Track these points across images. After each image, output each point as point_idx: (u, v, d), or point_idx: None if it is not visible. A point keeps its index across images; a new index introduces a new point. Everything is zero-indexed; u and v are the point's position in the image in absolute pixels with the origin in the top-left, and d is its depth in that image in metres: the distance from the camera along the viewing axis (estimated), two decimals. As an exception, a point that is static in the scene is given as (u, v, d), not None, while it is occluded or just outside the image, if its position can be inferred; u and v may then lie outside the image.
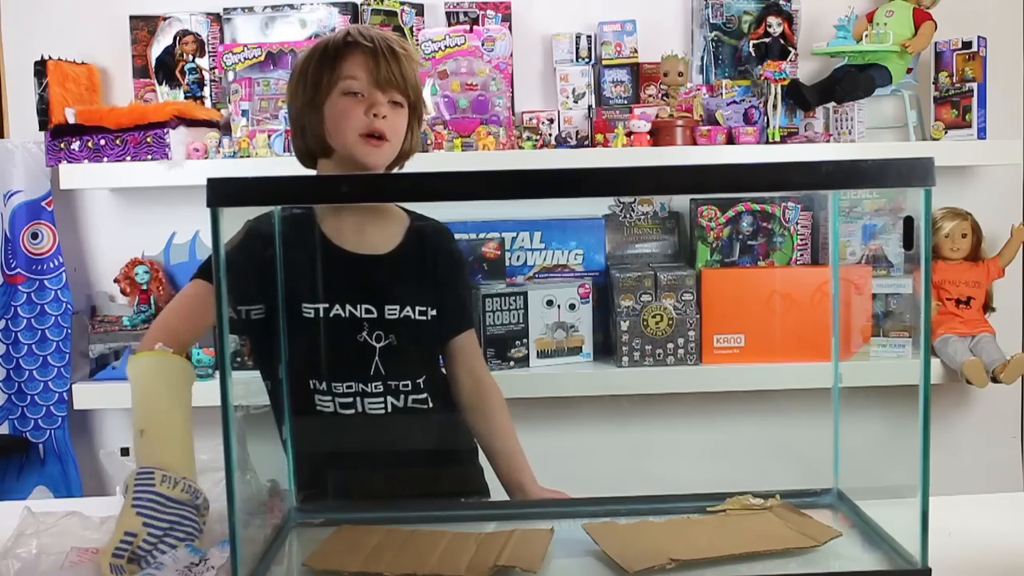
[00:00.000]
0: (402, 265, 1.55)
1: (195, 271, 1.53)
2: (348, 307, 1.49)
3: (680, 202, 2.51)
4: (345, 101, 1.46)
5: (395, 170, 1.56)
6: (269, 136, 2.26)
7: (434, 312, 1.54)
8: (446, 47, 2.33)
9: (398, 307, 1.51)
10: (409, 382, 1.52)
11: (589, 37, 2.45)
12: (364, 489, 1.50)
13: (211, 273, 1.09)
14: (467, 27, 2.37)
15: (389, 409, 1.51)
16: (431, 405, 1.54)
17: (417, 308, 1.53)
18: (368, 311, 1.49)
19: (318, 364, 1.51)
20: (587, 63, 2.44)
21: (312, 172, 1.55)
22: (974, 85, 2.36)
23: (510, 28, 2.42)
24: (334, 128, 1.48)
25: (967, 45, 2.37)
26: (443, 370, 1.63)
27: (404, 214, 1.60)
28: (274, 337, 1.42)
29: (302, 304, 1.48)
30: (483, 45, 2.34)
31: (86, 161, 2.26)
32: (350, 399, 1.50)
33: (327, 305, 1.48)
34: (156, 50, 2.44)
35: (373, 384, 1.50)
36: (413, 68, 1.50)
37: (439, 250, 1.61)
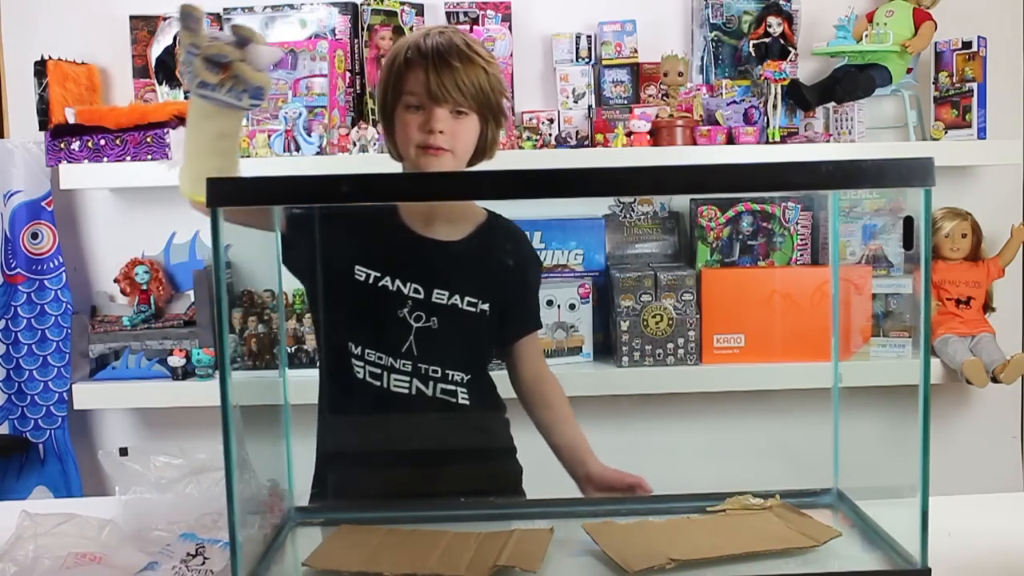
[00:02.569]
0: (465, 254, 1.56)
1: None
2: (397, 281, 1.52)
3: (680, 202, 2.51)
4: (406, 115, 1.51)
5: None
6: (269, 136, 2.26)
7: (486, 307, 1.55)
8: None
9: (447, 293, 1.53)
10: (439, 369, 1.53)
11: (589, 37, 2.45)
12: (377, 463, 1.52)
13: None
14: (467, 27, 2.37)
15: (414, 392, 1.52)
16: (461, 399, 1.55)
17: (467, 299, 1.54)
18: (416, 291, 1.52)
19: (356, 327, 1.54)
20: (587, 63, 2.44)
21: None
22: (974, 85, 2.36)
23: (510, 28, 2.42)
24: (400, 139, 1.53)
25: (967, 45, 2.37)
26: (489, 373, 1.63)
27: (483, 211, 1.62)
28: (328, 291, 1.51)
29: (356, 266, 1.52)
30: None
31: (86, 161, 2.26)
32: (379, 371, 1.52)
33: (378, 274, 1.52)
34: (156, 50, 2.44)
35: (402, 362, 1.52)
36: (478, 74, 1.49)
37: (510, 250, 1.63)
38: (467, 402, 1.55)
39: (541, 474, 1.59)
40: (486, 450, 1.63)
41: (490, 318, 1.56)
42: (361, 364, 1.53)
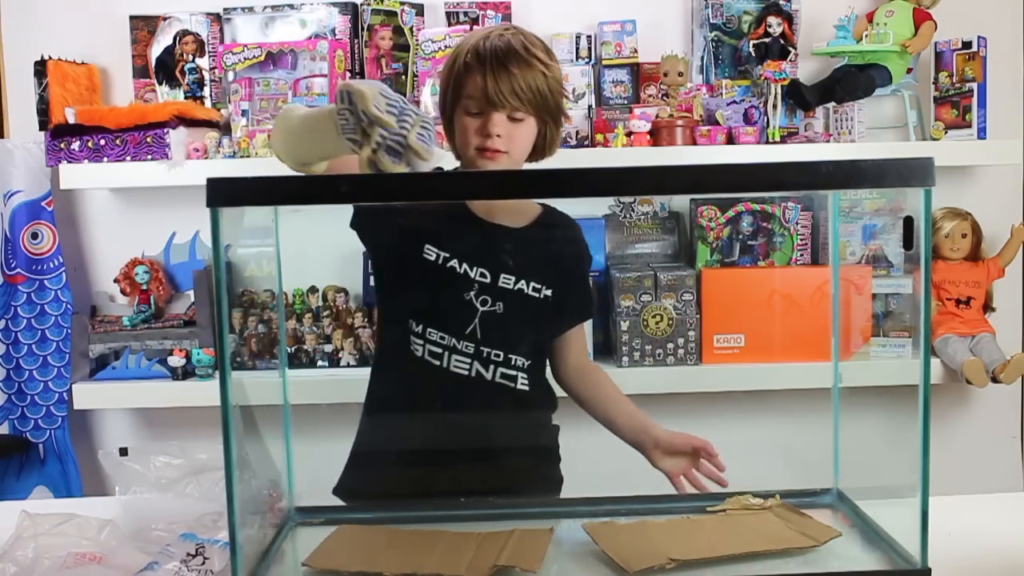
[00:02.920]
0: (529, 242, 1.59)
1: None
2: (464, 265, 1.55)
3: (680, 202, 2.51)
4: (465, 119, 1.54)
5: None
6: (269, 136, 2.26)
7: (549, 293, 1.58)
8: (446, 47, 2.33)
9: (513, 278, 1.56)
10: (501, 354, 1.55)
11: (589, 37, 2.45)
12: (419, 449, 1.55)
13: None
14: (467, 27, 2.38)
15: (474, 374, 1.54)
16: (519, 385, 1.57)
17: (532, 284, 1.56)
18: (482, 275, 1.55)
19: (420, 306, 1.56)
20: (587, 63, 2.44)
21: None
22: (974, 85, 2.36)
23: (510, 28, 2.42)
24: (459, 141, 1.57)
25: (967, 45, 2.37)
26: (544, 361, 1.67)
27: (538, 204, 1.65)
28: (393, 266, 1.56)
29: (426, 244, 1.54)
30: (483, 45, 2.34)
31: (86, 161, 2.26)
32: (439, 350, 1.54)
33: (447, 255, 1.54)
34: (156, 50, 2.44)
35: (464, 343, 1.54)
36: (535, 76, 1.51)
37: (568, 239, 1.67)
38: (526, 388, 1.58)
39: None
40: (537, 436, 1.66)
41: (552, 305, 1.59)
42: (421, 343, 1.55)
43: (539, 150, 1.59)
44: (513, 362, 1.56)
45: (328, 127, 1.28)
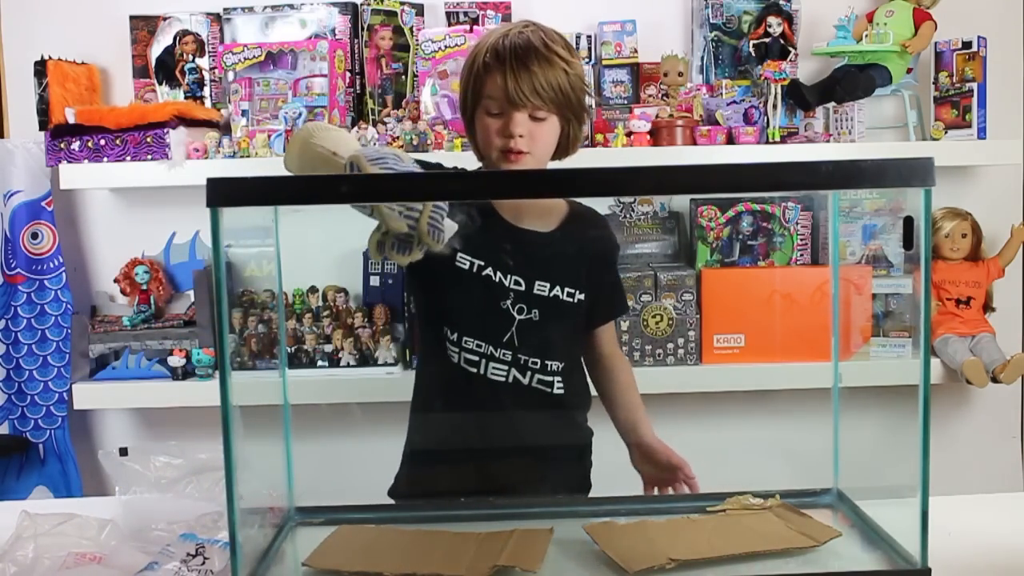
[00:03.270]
0: (560, 245, 1.59)
1: None
2: (499, 273, 1.54)
3: (680, 202, 2.51)
4: (486, 119, 1.52)
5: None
6: (269, 136, 2.26)
7: (582, 296, 1.58)
8: (446, 47, 2.33)
9: (548, 285, 1.55)
10: (539, 360, 1.55)
11: (589, 37, 2.45)
12: (458, 453, 1.55)
13: None
14: (467, 27, 2.37)
15: (511, 380, 1.55)
16: (556, 389, 1.57)
17: (567, 290, 1.56)
18: (517, 283, 1.54)
19: (455, 315, 1.56)
20: (587, 63, 2.44)
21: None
22: (974, 85, 2.36)
23: (510, 28, 2.42)
24: (481, 142, 1.55)
25: (967, 45, 2.37)
26: (579, 361, 1.68)
27: (563, 202, 1.64)
28: (428, 275, 1.55)
29: (459, 253, 1.53)
30: (483, 45, 2.34)
31: (86, 161, 2.26)
32: (476, 358, 1.54)
33: (482, 263, 1.53)
34: (156, 50, 2.44)
35: (502, 351, 1.54)
36: (557, 74, 1.49)
37: (596, 236, 1.67)
38: (562, 391, 1.58)
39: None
40: (572, 437, 1.67)
41: (586, 306, 1.60)
42: (457, 351, 1.55)
43: (562, 148, 1.57)
44: (550, 367, 1.57)
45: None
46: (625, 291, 1.76)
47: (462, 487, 1.51)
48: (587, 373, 1.70)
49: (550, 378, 1.57)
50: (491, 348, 1.54)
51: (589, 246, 1.64)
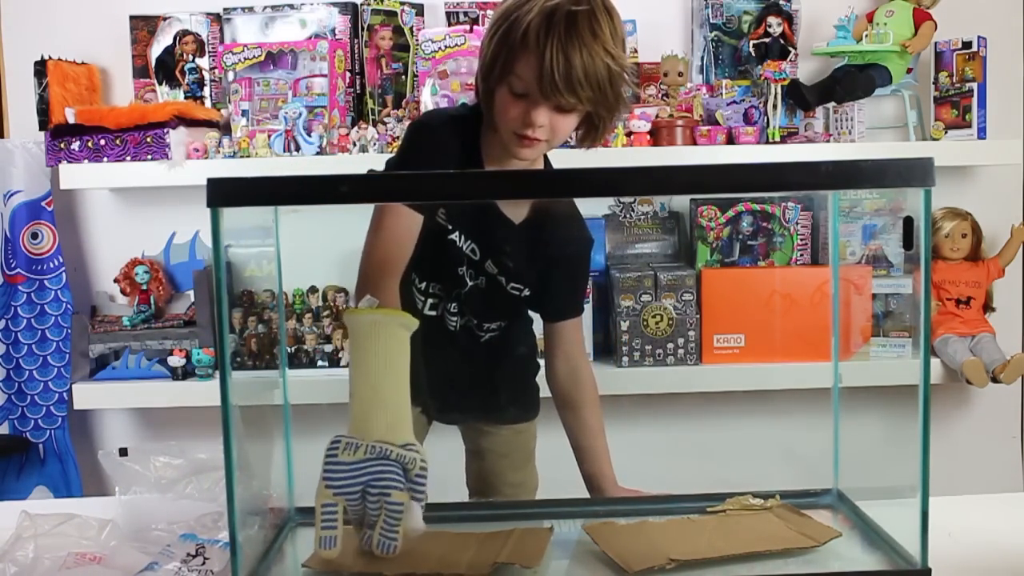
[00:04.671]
0: (521, 240, 1.58)
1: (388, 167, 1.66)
2: (466, 239, 1.56)
3: (680, 202, 2.51)
4: (508, 97, 1.41)
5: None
6: (269, 136, 2.26)
7: (527, 293, 1.60)
8: (446, 47, 2.33)
9: (497, 270, 1.58)
10: (476, 320, 1.64)
11: (589, 37, 2.44)
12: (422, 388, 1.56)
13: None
14: (467, 27, 2.37)
15: (457, 328, 1.64)
16: (501, 334, 1.66)
17: (512, 285, 1.59)
18: (473, 252, 1.57)
19: (423, 264, 1.58)
20: (587, 63, 2.43)
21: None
22: (974, 85, 2.36)
23: (510, 28, 2.42)
24: (497, 115, 1.45)
25: (967, 45, 2.37)
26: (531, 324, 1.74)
27: None
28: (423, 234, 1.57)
29: (440, 210, 1.54)
30: (483, 45, 2.34)
31: (86, 161, 2.26)
32: (436, 301, 1.63)
33: (451, 227, 1.55)
34: (156, 50, 2.44)
35: (452, 304, 1.62)
36: (596, 69, 1.35)
37: (562, 236, 1.62)
38: (508, 335, 1.67)
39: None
40: (512, 376, 1.74)
41: (531, 301, 1.64)
42: (423, 299, 1.62)
43: (590, 136, 1.49)
44: (486, 327, 1.65)
45: None
46: (583, 295, 1.73)
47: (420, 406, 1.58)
48: (548, 384, 1.68)
49: (495, 334, 1.66)
50: (447, 301, 1.62)
51: (552, 244, 1.60)
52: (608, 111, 1.45)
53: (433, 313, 1.62)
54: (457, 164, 1.51)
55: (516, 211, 1.58)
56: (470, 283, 1.59)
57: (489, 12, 2.43)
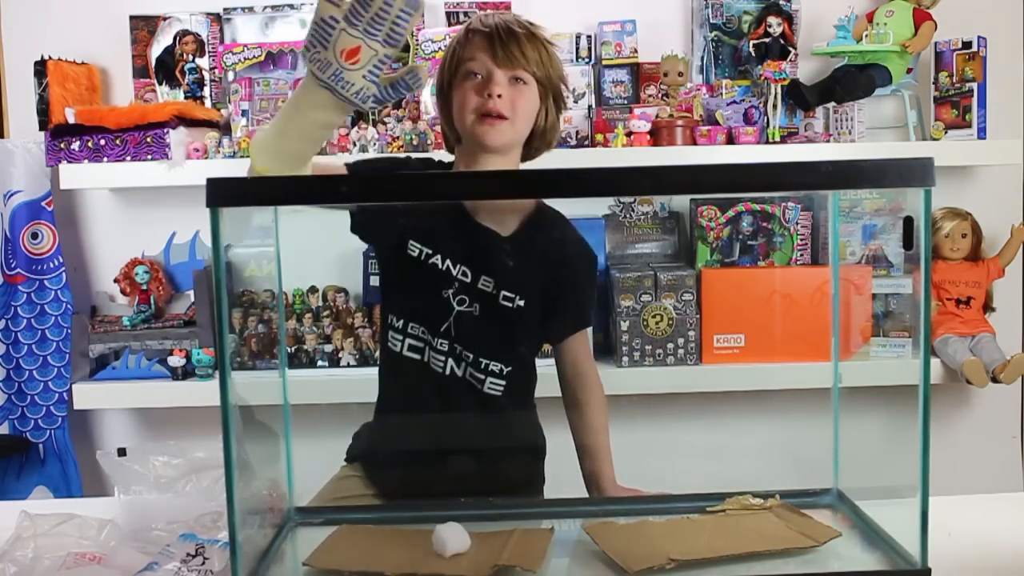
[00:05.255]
0: (511, 251, 1.56)
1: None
2: (447, 262, 1.53)
3: (680, 202, 2.51)
4: (466, 85, 1.50)
5: (537, 156, 1.60)
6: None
7: (521, 303, 1.55)
8: (446, 47, 2.32)
9: (492, 282, 1.54)
10: (471, 355, 1.55)
11: (589, 37, 2.45)
12: (403, 436, 1.57)
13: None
14: (467, 27, 2.37)
15: (448, 372, 1.55)
16: (488, 388, 1.56)
17: (503, 293, 1.54)
18: (464, 274, 1.54)
19: (400, 301, 1.57)
20: (587, 63, 2.44)
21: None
22: (974, 85, 2.36)
23: (510, 28, 2.42)
24: (458, 112, 1.52)
25: (967, 45, 2.37)
26: (532, 370, 1.65)
27: (534, 204, 1.61)
28: (383, 263, 1.60)
29: (410, 240, 1.54)
30: (483, 45, 2.34)
31: (86, 161, 2.26)
32: (419, 344, 1.55)
33: (430, 252, 1.53)
34: (156, 50, 2.44)
35: (439, 341, 1.54)
36: (539, 48, 1.50)
37: (559, 247, 1.63)
38: (495, 392, 1.56)
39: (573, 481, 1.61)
40: (507, 444, 1.63)
41: (527, 314, 1.56)
42: (401, 338, 1.55)
43: (539, 132, 1.55)
44: (483, 364, 1.55)
45: (313, 98, 1.20)
46: (591, 305, 1.70)
47: (405, 469, 1.54)
48: (561, 391, 1.68)
49: (482, 376, 1.55)
50: (430, 336, 1.55)
51: (548, 255, 1.60)
52: (553, 94, 1.53)
53: (416, 356, 1.55)
54: (436, 204, 1.52)
55: (502, 222, 1.57)
56: (458, 308, 1.53)
57: (489, 12, 2.43)
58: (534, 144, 1.58)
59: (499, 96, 1.47)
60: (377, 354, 1.84)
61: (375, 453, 1.64)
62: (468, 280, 1.53)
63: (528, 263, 1.57)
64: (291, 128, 1.25)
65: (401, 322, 1.56)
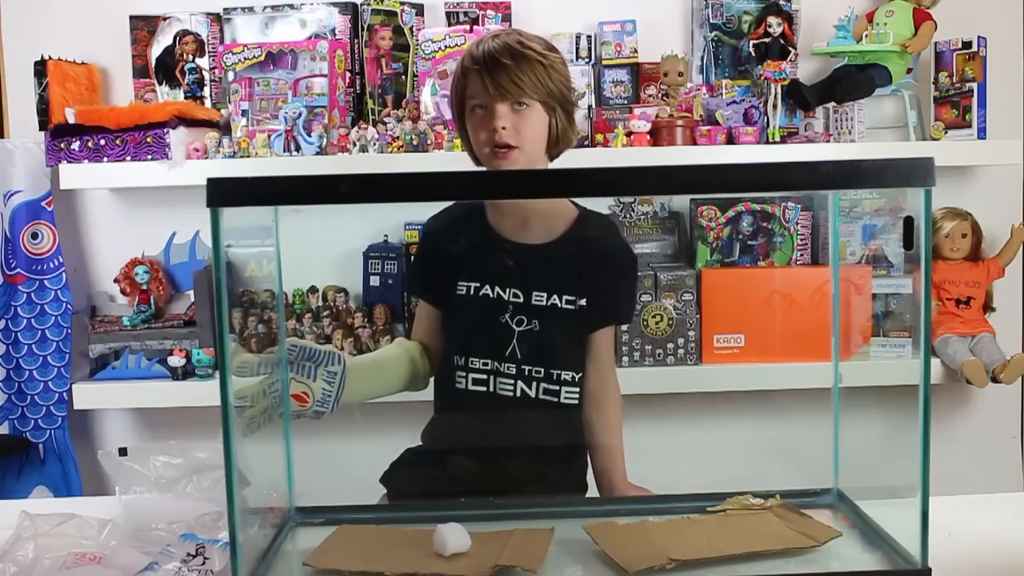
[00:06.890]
0: (557, 256, 1.60)
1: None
2: (497, 288, 1.58)
3: (680, 202, 2.51)
4: (474, 119, 1.57)
5: (559, 155, 1.63)
6: (269, 136, 2.26)
7: (583, 302, 1.58)
8: (446, 47, 2.33)
9: (545, 294, 1.57)
10: (542, 370, 1.57)
11: (589, 37, 2.45)
12: (461, 469, 1.58)
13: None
14: (467, 27, 2.37)
15: (519, 394, 1.56)
16: (565, 398, 1.58)
17: (565, 297, 1.57)
18: (515, 295, 1.57)
19: (461, 339, 1.60)
20: (587, 63, 2.44)
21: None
22: (974, 85, 2.36)
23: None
24: (474, 145, 1.59)
25: (967, 45, 2.37)
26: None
27: (573, 207, 1.65)
28: (445, 316, 1.65)
29: (459, 282, 1.59)
30: (483, 45, 2.34)
31: (86, 161, 2.26)
32: (484, 376, 1.58)
33: (478, 284, 1.58)
34: (156, 50, 2.44)
35: (506, 365, 1.56)
36: (533, 68, 1.52)
37: (599, 243, 1.65)
38: (573, 400, 1.59)
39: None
40: (574, 445, 1.66)
41: (589, 312, 1.59)
42: (465, 375, 1.58)
43: (554, 141, 1.59)
44: (555, 376, 1.57)
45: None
46: (622, 303, 1.70)
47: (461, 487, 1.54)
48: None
49: (556, 387, 1.57)
50: (496, 363, 1.57)
51: (589, 252, 1.63)
52: (559, 104, 1.56)
53: (482, 389, 1.58)
54: (469, 238, 1.62)
55: (540, 234, 1.61)
56: (518, 329, 1.57)
57: (489, 12, 2.43)
58: (552, 151, 1.62)
59: (504, 128, 1.52)
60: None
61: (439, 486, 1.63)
62: (521, 300, 1.57)
63: (577, 265, 1.60)
64: None
65: (463, 359, 1.59)
